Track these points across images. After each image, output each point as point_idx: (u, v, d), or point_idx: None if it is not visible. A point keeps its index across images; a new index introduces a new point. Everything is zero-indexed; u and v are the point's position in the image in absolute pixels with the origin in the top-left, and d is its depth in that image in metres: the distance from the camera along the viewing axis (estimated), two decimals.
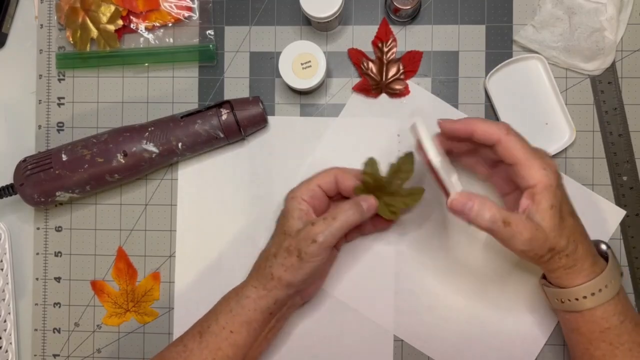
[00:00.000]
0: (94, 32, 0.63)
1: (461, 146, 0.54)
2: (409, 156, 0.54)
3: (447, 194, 0.51)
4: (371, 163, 0.54)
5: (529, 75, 0.61)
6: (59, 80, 0.65)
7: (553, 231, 0.48)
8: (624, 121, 0.61)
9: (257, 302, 0.52)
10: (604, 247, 0.56)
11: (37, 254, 0.65)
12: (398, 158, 0.54)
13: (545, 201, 0.48)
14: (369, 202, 0.53)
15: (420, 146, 0.51)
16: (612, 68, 0.61)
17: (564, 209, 0.49)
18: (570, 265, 0.50)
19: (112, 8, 0.63)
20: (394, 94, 0.62)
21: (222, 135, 0.59)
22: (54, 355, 0.64)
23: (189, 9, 0.63)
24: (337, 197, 0.57)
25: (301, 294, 0.56)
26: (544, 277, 0.55)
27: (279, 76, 0.60)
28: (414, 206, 0.55)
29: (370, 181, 0.54)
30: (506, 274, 0.61)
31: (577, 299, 0.50)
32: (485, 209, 0.47)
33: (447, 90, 0.62)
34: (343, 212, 0.51)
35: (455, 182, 0.51)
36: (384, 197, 0.55)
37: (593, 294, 0.49)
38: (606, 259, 0.52)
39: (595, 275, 0.50)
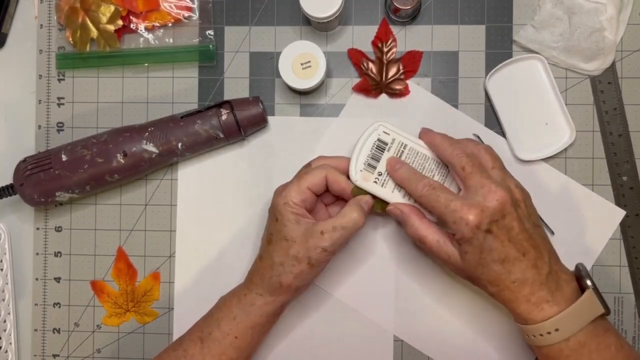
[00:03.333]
0: (94, 32, 0.63)
1: None
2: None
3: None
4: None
5: (529, 75, 0.61)
6: (59, 80, 0.65)
7: (468, 269, 0.50)
8: (624, 121, 0.61)
9: (263, 309, 0.53)
10: (589, 282, 0.50)
11: (37, 254, 0.65)
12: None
13: (462, 248, 0.50)
14: (368, 203, 0.54)
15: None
16: (612, 68, 0.61)
17: (489, 257, 0.48)
18: (502, 300, 0.50)
19: (112, 8, 0.63)
20: (394, 94, 0.62)
21: (222, 136, 0.59)
22: (54, 356, 0.64)
23: (189, 9, 0.63)
24: (324, 194, 0.56)
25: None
26: None
27: (279, 76, 0.60)
28: None
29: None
30: None
31: (527, 336, 0.50)
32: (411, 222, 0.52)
33: (447, 90, 0.62)
34: (351, 220, 0.51)
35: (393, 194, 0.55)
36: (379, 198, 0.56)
37: (541, 335, 0.48)
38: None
39: (538, 320, 0.48)
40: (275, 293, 0.52)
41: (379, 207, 0.56)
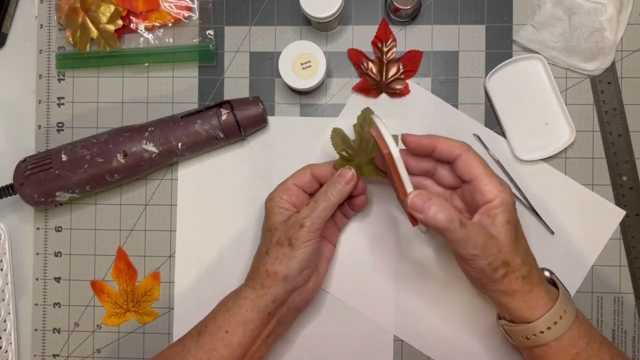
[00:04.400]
0: (94, 32, 0.63)
1: (421, 165, 0.54)
2: (366, 111, 0.55)
3: (402, 191, 0.49)
4: (335, 133, 0.55)
5: (529, 75, 0.61)
6: (59, 80, 0.65)
7: (508, 245, 0.48)
8: (624, 121, 0.61)
9: (255, 302, 0.52)
10: (547, 274, 0.55)
11: (37, 254, 0.65)
12: (357, 117, 0.55)
13: (502, 216, 0.48)
14: (345, 176, 0.54)
15: (379, 141, 0.50)
16: (612, 68, 0.61)
17: (518, 229, 0.50)
18: (528, 290, 0.49)
19: (112, 8, 0.63)
20: (394, 93, 0.62)
21: (222, 135, 0.59)
22: (54, 355, 0.64)
23: (189, 9, 0.63)
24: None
25: (300, 292, 0.55)
26: (500, 317, 0.54)
27: (279, 76, 0.60)
28: None
29: (345, 153, 0.55)
30: None
31: (542, 332, 0.49)
32: (444, 208, 0.46)
33: (447, 90, 0.62)
34: (323, 194, 0.53)
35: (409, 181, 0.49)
36: (365, 159, 0.55)
37: (556, 323, 0.49)
38: (554, 285, 0.53)
39: (553, 302, 0.49)
40: (266, 284, 0.52)
41: (373, 172, 0.55)
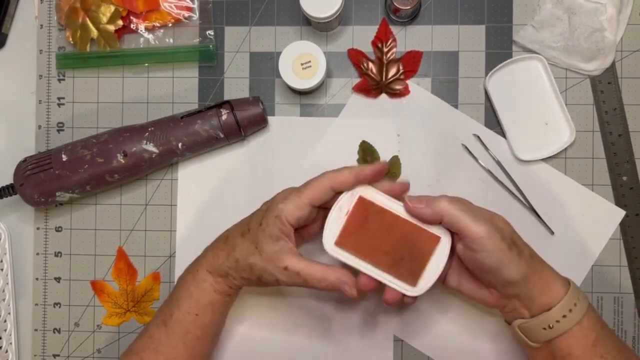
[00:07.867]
0: (94, 32, 0.63)
1: None
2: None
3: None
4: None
5: (529, 75, 0.61)
6: (59, 80, 0.65)
7: (506, 262, 0.48)
8: (623, 121, 0.61)
9: (214, 286, 0.53)
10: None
11: (37, 254, 0.65)
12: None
13: (491, 243, 0.47)
14: (346, 282, 0.49)
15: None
16: (612, 68, 0.61)
17: (518, 248, 0.49)
18: (540, 270, 0.49)
19: (112, 8, 0.63)
20: (394, 94, 0.62)
21: (222, 136, 0.59)
22: (54, 355, 0.64)
23: (189, 9, 0.63)
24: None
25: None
26: (509, 322, 0.53)
27: (279, 76, 0.60)
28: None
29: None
30: None
31: (564, 316, 0.48)
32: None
33: (447, 90, 0.62)
34: (316, 279, 0.49)
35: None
36: None
37: (575, 305, 0.48)
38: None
39: (567, 284, 0.49)
40: (221, 279, 0.53)
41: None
